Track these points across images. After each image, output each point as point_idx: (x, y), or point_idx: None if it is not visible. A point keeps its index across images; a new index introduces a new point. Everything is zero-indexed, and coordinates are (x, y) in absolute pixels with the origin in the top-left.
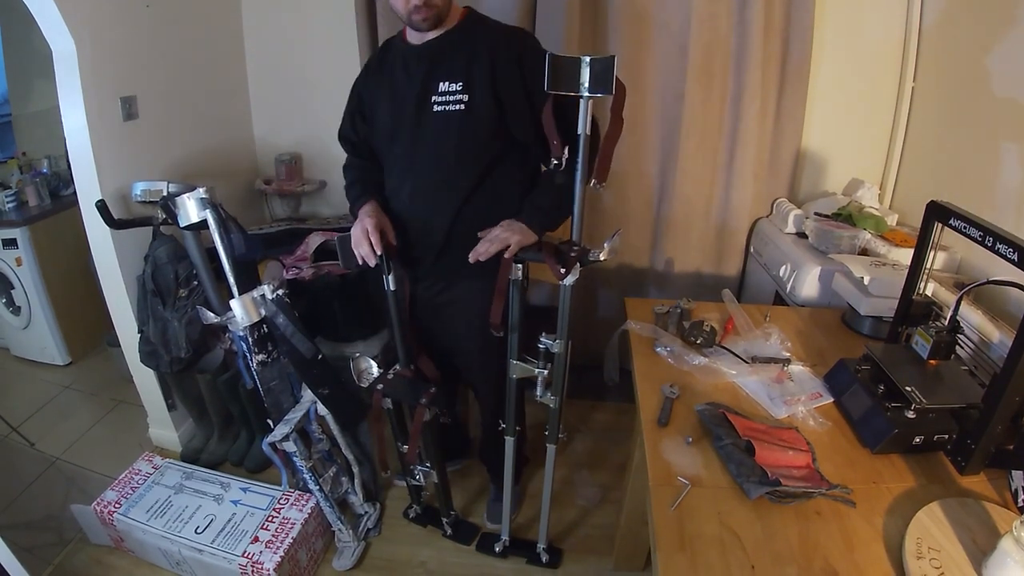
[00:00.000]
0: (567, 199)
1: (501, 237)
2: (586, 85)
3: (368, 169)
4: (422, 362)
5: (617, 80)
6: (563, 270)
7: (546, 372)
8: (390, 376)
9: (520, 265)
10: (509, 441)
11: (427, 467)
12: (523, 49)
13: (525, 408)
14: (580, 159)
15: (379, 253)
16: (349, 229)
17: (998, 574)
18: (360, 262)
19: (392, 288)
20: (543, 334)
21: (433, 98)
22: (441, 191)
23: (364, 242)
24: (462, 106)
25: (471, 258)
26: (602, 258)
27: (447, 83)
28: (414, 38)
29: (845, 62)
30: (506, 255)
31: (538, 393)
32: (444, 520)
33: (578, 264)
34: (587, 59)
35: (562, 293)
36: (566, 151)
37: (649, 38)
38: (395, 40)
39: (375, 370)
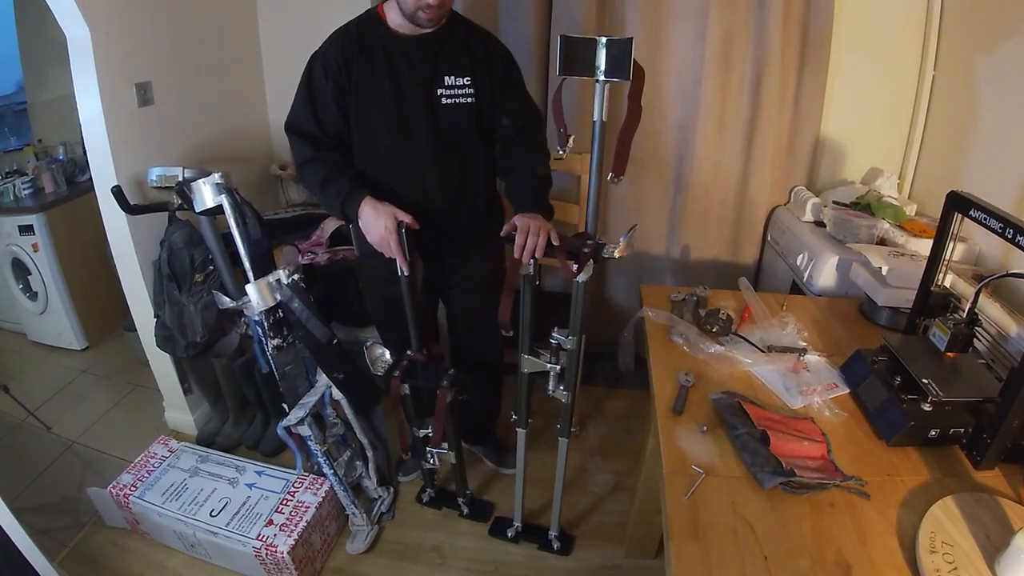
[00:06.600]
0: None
1: (544, 229)
2: (602, 69)
3: (339, 163)
4: (433, 346)
5: (635, 64)
6: (575, 267)
7: (558, 367)
8: (405, 362)
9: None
10: (521, 433)
11: (443, 449)
12: (500, 48)
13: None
14: (595, 148)
15: (408, 259)
16: None
17: (1011, 571)
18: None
19: (406, 273)
20: (555, 329)
21: (440, 91)
22: (454, 178)
23: (392, 248)
24: (471, 99)
25: (525, 258)
26: (617, 255)
27: (452, 77)
28: (406, 29)
29: (865, 49)
30: (553, 241)
31: (550, 387)
32: (460, 500)
33: (591, 261)
34: (603, 41)
35: (575, 289)
36: (571, 141)
37: (667, 23)
38: (372, 25)
39: (388, 356)
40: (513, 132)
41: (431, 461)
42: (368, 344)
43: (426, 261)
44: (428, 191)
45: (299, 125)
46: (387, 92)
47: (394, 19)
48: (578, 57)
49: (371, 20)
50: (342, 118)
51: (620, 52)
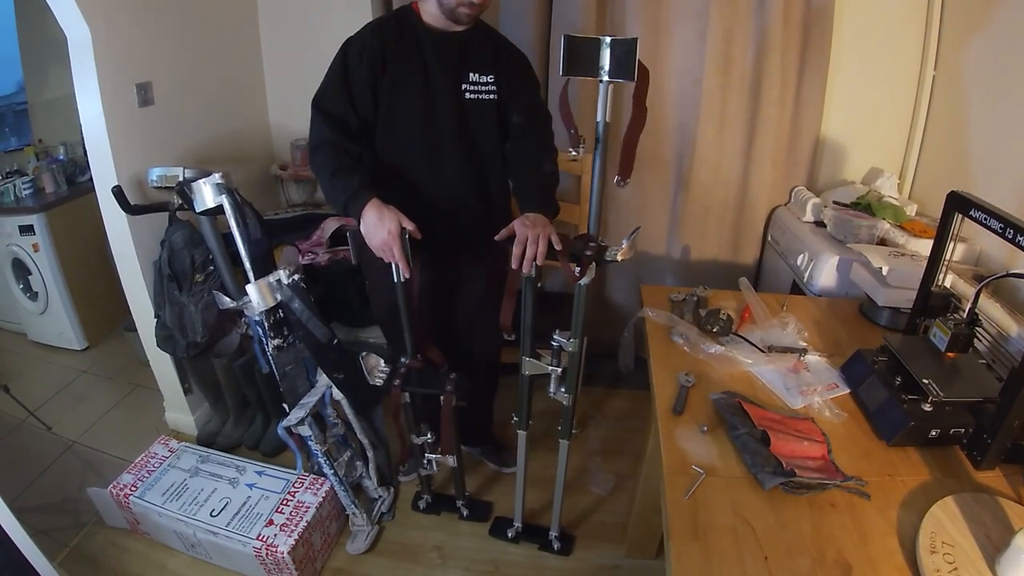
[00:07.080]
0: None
1: (544, 234)
2: (606, 69)
3: (352, 154)
4: (430, 351)
5: (640, 65)
6: (578, 270)
7: (560, 370)
8: (402, 370)
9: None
10: (522, 435)
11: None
12: (519, 52)
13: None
14: (599, 150)
15: (411, 266)
16: None
17: (1011, 571)
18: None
19: (405, 278)
20: (557, 331)
21: (464, 86)
22: (473, 173)
23: (394, 255)
24: (494, 96)
25: (525, 268)
26: (620, 258)
27: (477, 74)
28: (440, 24)
29: (865, 49)
30: (555, 245)
31: (551, 390)
32: (459, 503)
33: (594, 264)
34: (608, 41)
35: (577, 292)
36: (584, 141)
37: (667, 23)
38: (409, 17)
39: (383, 365)
40: (522, 129)
41: (428, 467)
42: (363, 354)
43: (435, 261)
44: (447, 183)
45: (326, 101)
46: (417, 81)
47: (429, 13)
48: (581, 57)
49: (407, 12)
50: (372, 100)
51: (624, 52)
